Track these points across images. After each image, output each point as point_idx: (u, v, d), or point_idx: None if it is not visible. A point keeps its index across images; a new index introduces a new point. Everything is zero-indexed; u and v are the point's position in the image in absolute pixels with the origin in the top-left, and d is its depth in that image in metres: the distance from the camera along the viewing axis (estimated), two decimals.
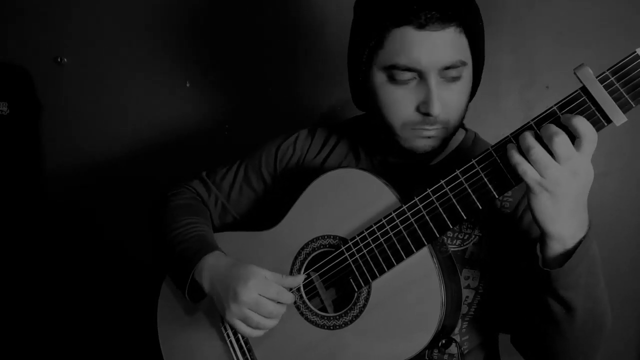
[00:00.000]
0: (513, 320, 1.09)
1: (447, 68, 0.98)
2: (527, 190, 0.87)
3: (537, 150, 0.83)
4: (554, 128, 0.83)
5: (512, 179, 0.89)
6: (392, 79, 1.01)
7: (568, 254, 0.88)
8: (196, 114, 1.87)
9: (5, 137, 1.83)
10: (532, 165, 0.84)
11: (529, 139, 0.84)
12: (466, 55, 1.01)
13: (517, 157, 0.85)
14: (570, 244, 0.88)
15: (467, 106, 1.07)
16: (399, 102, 1.02)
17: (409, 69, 0.99)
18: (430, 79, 0.98)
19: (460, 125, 1.09)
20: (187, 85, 1.85)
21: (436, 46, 0.96)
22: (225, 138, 1.85)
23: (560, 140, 0.81)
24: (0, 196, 1.83)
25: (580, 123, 0.81)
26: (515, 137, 0.88)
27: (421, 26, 0.95)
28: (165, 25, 1.85)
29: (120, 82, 1.88)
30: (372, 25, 1.01)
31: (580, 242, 0.88)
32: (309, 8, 1.74)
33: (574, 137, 0.83)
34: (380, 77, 1.03)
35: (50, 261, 1.97)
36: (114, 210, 1.93)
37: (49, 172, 1.95)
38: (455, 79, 1.00)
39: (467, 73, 1.02)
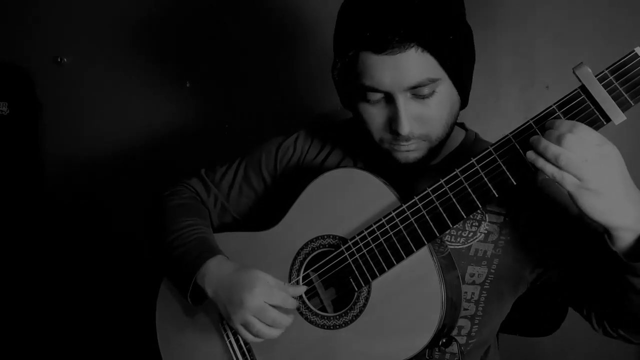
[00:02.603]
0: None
1: (415, 87, 0.97)
2: (570, 196, 0.84)
3: (566, 155, 0.81)
4: (567, 122, 0.82)
5: (513, 178, 0.89)
6: (364, 98, 1.02)
7: None
8: (196, 114, 1.87)
9: (5, 137, 1.84)
10: (565, 170, 0.82)
11: (552, 146, 0.82)
12: (436, 72, 0.98)
13: (550, 168, 0.82)
14: (639, 227, 0.85)
15: (453, 116, 1.06)
16: (373, 120, 1.04)
17: (375, 90, 0.99)
18: (397, 99, 0.99)
19: (449, 132, 1.07)
20: (187, 85, 1.86)
21: (398, 68, 0.96)
22: (225, 138, 1.85)
23: (581, 128, 0.81)
24: (1, 195, 1.83)
25: (562, 126, 0.82)
26: (520, 143, 0.87)
27: (379, 50, 0.95)
28: (166, 25, 1.85)
29: (120, 82, 1.89)
30: (337, 50, 1.04)
31: None
32: (309, 8, 1.74)
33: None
34: (355, 95, 1.05)
35: (50, 261, 1.97)
36: (114, 210, 1.93)
37: (49, 171, 1.95)
38: (429, 95, 0.99)
39: (443, 87, 1.00)
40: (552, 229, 1.06)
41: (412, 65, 0.95)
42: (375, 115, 1.03)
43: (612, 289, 0.94)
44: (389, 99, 1.00)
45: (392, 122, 1.01)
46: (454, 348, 1.08)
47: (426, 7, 0.95)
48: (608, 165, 0.82)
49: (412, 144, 1.03)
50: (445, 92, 1.01)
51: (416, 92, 0.98)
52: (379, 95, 1.00)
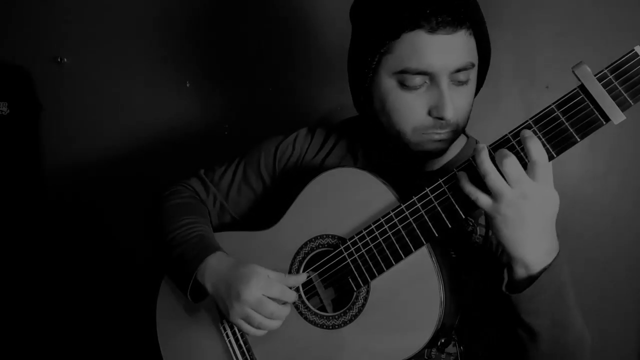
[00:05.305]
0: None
1: (458, 71, 0.98)
2: (485, 215, 0.89)
3: (492, 177, 0.85)
4: (505, 151, 0.85)
5: None
6: (402, 85, 1.01)
7: (532, 280, 0.88)
8: (196, 114, 1.87)
9: (5, 137, 1.83)
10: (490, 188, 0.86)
11: (486, 164, 0.86)
12: (474, 56, 1.01)
13: (468, 187, 0.88)
14: (535, 269, 0.88)
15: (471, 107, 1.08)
16: (410, 107, 1.02)
17: (420, 73, 0.98)
18: (442, 82, 0.98)
19: (465, 126, 1.09)
20: (187, 85, 1.86)
21: (448, 50, 0.96)
22: (225, 138, 1.85)
23: (509, 162, 0.84)
24: (1, 196, 1.83)
25: (533, 147, 0.83)
26: (519, 142, 0.88)
27: (433, 30, 0.95)
28: (166, 25, 1.85)
29: (120, 82, 1.89)
30: (383, 31, 1.00)
31: (545, 269, 0.88)
32: (310, 9, 1.74)
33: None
34: (389, 83, 1.02)
35: (50, 261, 1.97)
36: (114, 210, 1.93)
37: (49, 172, 1.95)
38: (463, 82, 1.00)
39: (473, 75, 1.03)
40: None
41: (461, 47, 0.97)
42: (412, 102, 1.01)
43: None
44: (432, 83, 0.99)
45: (434, 108, 1.00)
46: (452, 348, 1.08)
47: None
48: (527, 203, 0.85)
49: (445, 132, 1.03)
50: (473, 80, 1.03)
51: (456, 76, 0.99)
52: (421, 80, 0.99)
